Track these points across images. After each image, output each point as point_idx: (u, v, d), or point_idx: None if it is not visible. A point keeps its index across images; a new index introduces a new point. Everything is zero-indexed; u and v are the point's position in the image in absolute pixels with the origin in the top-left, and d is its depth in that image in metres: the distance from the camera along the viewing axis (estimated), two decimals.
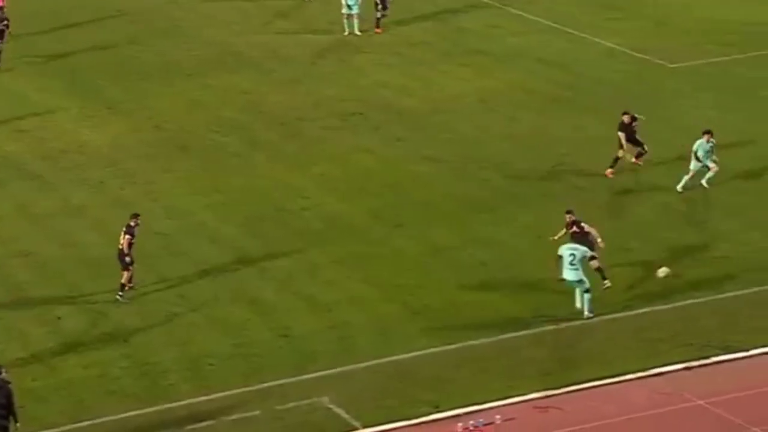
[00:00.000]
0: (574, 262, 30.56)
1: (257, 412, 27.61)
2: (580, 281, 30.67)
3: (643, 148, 38.43)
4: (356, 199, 37.30)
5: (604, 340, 30.24)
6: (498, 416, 27.22)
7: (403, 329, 30.83)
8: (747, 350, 29.37)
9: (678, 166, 38.23)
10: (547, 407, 27.63)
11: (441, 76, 46.45)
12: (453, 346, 30.05)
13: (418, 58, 48.22)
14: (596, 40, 49.10)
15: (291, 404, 27.82)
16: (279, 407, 27.70)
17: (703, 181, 36.91)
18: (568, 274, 30.64)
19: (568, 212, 32.30)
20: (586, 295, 30.78)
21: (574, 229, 31.79)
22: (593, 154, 39.58)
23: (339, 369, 29.11)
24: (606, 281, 31.50)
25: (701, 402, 27.56)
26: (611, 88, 44.93)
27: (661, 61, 46.76)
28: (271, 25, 51.94)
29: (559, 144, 40.59)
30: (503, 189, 37.82)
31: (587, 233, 31.68)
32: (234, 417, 27.53)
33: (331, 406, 27.77)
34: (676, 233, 34.86)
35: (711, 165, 36.78)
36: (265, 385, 28.54)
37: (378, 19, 50.32)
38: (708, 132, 37.05)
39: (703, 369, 28.84)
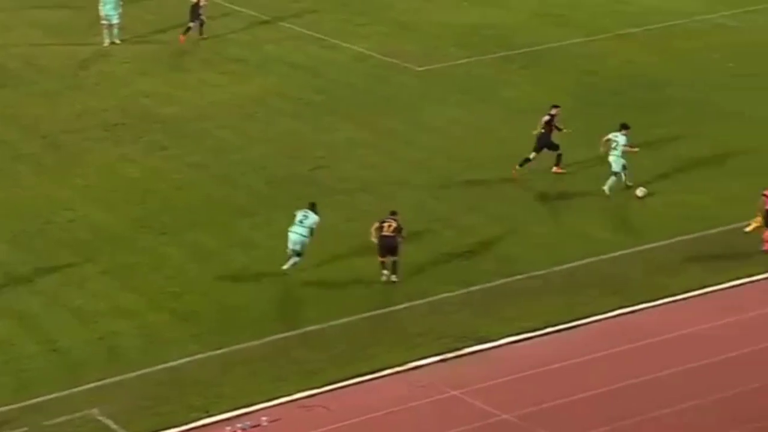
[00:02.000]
0: (304, 222, 32.27)
1: (26, 429, 26.49)
2: (304, 243, 32.01)
3: (533, 156, 37.18)
4: (121, 209, 36.31)
5: (366, 336, 30.13)
6: (264, 418, 26.83)
7: (171, 336, 30.11)
8: (496, 340, 29.66)
9: (429, 165, 38.47)
10: (312, 406, 27.36)
11: (201, 84, 45.67)
12: (222, 351, 29.48)
13: (178, 67, 47.33)
14: (346, 45, 49.03)
15: (61, 418, 26.78)
16: (47, 422, 26.64)
17: (607, 186, 36.28)
18: (298, 229, 32.21)
19: (393, 214, 32.35)
20: (297, 258, 32.31)
21: (383, 230, 32.07)
22: (348, 157, 39.52)
23: (109, 380, 28.21)
24: (394, 276, 31.95)
25: (456, 392, 27.69)
26: (362, 91, 44.91)
27: (408, 65, 46.96)
28: (29, 36, 50.21)
29: (315, 147, 40.35)
30: (263, 193, 37.38)
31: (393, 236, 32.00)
32: None
33: (101, 417, 26.87)
34: (427, 228, 34.99)
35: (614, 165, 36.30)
36: (35, 400, 27.42)
37: (200, 26, 49.15)
38: (625, 126, 36.40)
39: (457, 360, 29.00)
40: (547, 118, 37.36)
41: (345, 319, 30.69)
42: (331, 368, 28.74)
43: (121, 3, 48.93)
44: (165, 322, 30.68)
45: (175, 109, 43.44)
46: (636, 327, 30.02)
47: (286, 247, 32.32)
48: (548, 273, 32.43)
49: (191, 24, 48.98)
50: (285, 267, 32.40)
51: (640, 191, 36.05)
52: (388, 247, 32.04)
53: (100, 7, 48.94)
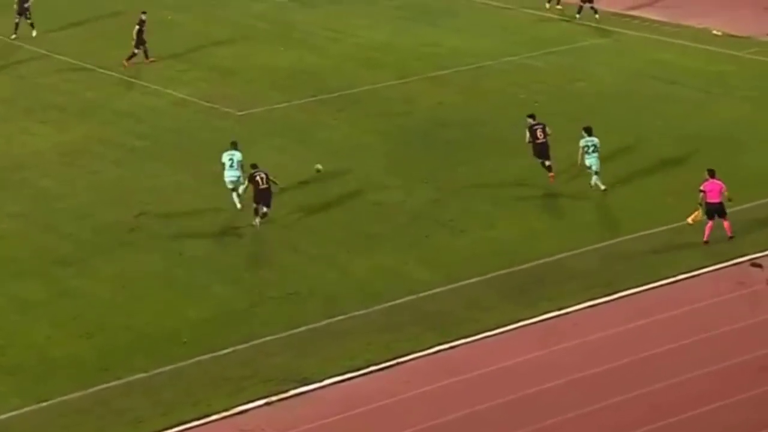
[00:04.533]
0: (233, 165, 36.48)
1: None
2: (239, 179, 36.41)
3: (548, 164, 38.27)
4: None
5: (192, 382, 29.00)
6: None
7: None
8: (320, 380, 28.87)
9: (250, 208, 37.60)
10: None
11: (21, 133, 43.99)
12: (47, 403, 28.03)
13: None
14: (168, 91, 47.84)
15: None
16: None
17: (599, 183, 37.58)
18: (230, 172, 36.53)
19: (254, 167, 35.62)
20: (242, 187, 36.24)
21: (259, 184, 35.35)
22: (172, 202, 38.39)
23: None
24: (257, 219, 35.18)
25: None
26: (183, 136, 43.83)
27: (228, 109, 46.03)
28: None
29: (140, 193, 39.08)
30: (89, 241, 35.96)
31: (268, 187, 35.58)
32: None
33: None
34: (250, 270, 34.10)
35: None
36: None
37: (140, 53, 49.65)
38: (589, 130, 37.54)
39: (282, 403, 28.08)
40: (534, 127, 38.37)
41: (170, 366, 29.54)
42: (157, 416, 27.56)
43: None
44: None
45: None
46: (455, 362, 29.57)
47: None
48: (369, 312, 31.78)
49: (136, 50, 48.81)
50: (238, 206, 36.26)
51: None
52: (265, 198, 35.30)
53: None
